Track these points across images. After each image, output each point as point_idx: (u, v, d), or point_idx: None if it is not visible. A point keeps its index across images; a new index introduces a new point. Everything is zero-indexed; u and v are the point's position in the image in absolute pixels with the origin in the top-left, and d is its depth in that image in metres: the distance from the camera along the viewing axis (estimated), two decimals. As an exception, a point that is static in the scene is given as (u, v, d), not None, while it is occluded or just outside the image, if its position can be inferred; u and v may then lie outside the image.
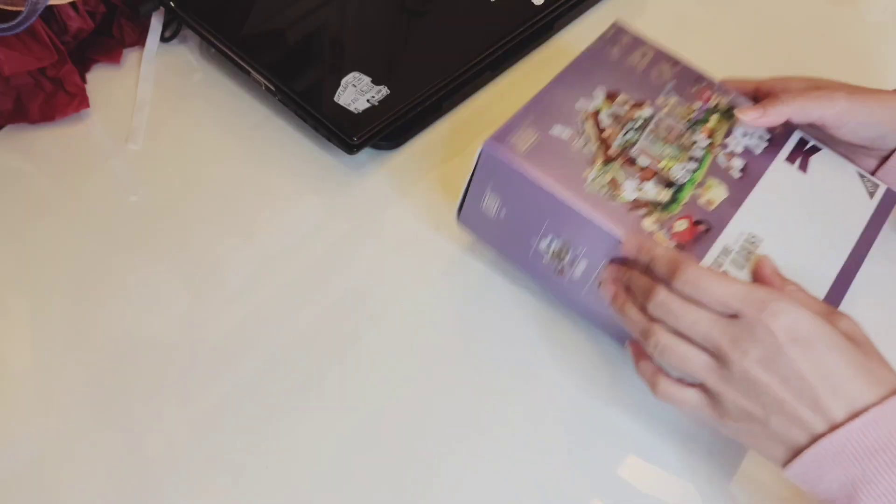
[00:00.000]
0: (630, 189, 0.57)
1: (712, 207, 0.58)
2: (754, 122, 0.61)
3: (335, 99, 0.72)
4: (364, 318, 0.66)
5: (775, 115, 0.61)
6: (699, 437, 0.60)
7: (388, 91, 0.73)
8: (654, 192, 0.58)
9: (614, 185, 0.57)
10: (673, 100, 0.63)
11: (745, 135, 0.62)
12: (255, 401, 0.62)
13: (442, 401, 0.61)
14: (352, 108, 0.72)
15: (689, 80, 0.65)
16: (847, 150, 0.64)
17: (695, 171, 0.59)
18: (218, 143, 0.76)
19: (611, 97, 0.62)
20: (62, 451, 0.60)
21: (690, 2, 0.87)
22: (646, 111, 0.62)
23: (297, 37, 0.79)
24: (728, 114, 0.63)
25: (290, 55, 0.77)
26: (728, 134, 0.62)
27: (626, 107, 0.62)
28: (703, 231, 0.57)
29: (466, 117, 0.78)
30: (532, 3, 0.80)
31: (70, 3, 0.74)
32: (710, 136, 0.61)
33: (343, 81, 0.74)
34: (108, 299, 0.66)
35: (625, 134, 0.60)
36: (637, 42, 0.67)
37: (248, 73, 0.76)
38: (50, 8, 0.73)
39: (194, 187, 0.73)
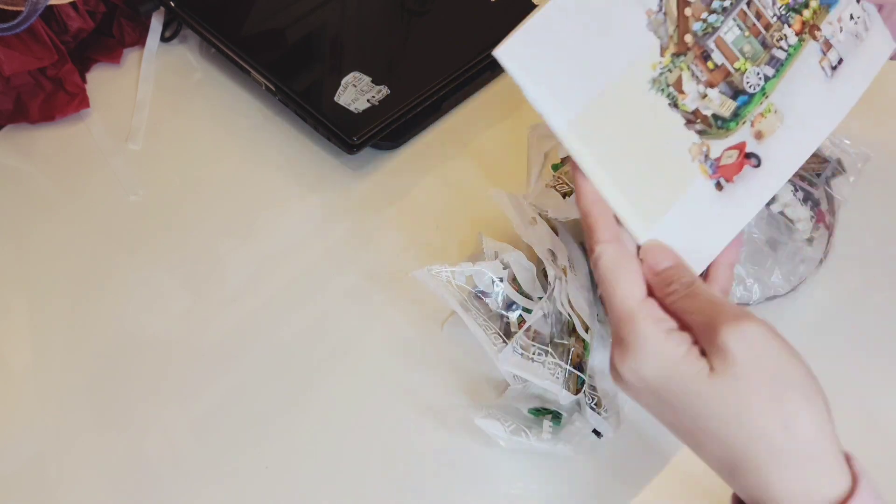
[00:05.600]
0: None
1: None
2: None
3: (335, 99, 0.72)
4: (364, 318, 0.65)
5: None
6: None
7: (388, 91, 0.73)
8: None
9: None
10: None
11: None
12: (255, 401, 0.62)
13: (442, 400, 0.61)
14: (352, 108, 0.72)
15: None
16: None
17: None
18: (218, 143, 0.76)
19: None
20: (62, 451, 0.60)
21: None
22: None
23: (297, 37, 0.79)
24: None
25: (290, 55, 0.77)
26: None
27: None
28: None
29: (466, 117, 0.78)
30: (532, 3, 0.80)
31: (70, 3, 0.74)
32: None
33: (343, 81, 0.74)
34: (108, 299, 0.66)
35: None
36: None
37: (248, 73, 0.76)
38: (50, 8, 0.73)
39: (194, 187, 0.73)
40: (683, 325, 0.41)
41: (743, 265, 0.62)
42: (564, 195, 0.65)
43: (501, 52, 0.43)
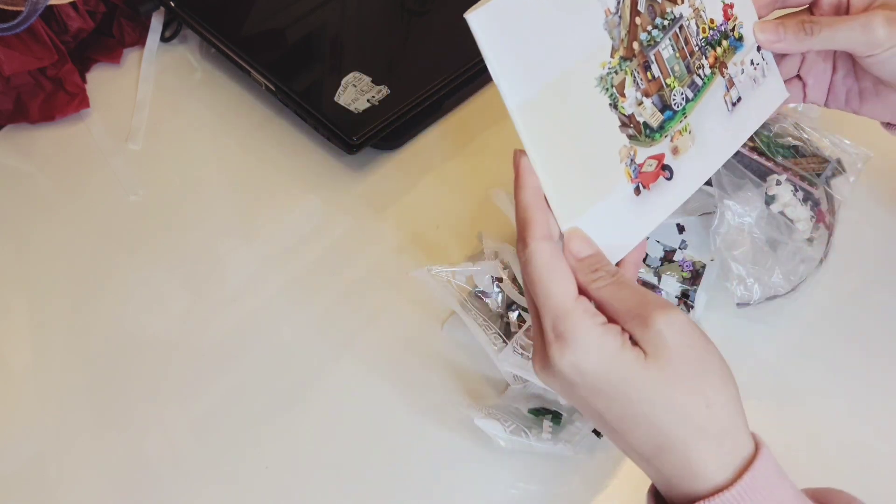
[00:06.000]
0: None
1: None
2: (769, 44, 0.54)
3: (335, 99, 0.72)
4: (364, 318, 0.65)
5: (794, 42, 0.54)
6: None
7: (388, 91, 0.73)
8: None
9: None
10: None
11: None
12: (255, 400, 0.62)
13: (442, 400, 0.61)
14: (352, 108, 0.72)
15: None
16: (871, 85, 0.58)
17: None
18: (218, 143, 0.76)
19: None
20: (62, 451, 0.60)
21: None
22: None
23: (297, 37, 0.79)
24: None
25: (290, 55, 0.77)
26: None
27: None
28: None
29: (466, 117, 0.78)
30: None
31: (70, 3, 0.75)
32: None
33: (343, 81, 0.74)
34: (108, 299, 0.66)
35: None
36: None
37: (248, 73, 0.76)
38: (50, 8, 0.73)
39: (194, 187, 0.73)
40: (608, 316, 0.44)
41: (743, 265, 0.62)
42: None
43: (474, 17, 0.43)
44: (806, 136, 0.67)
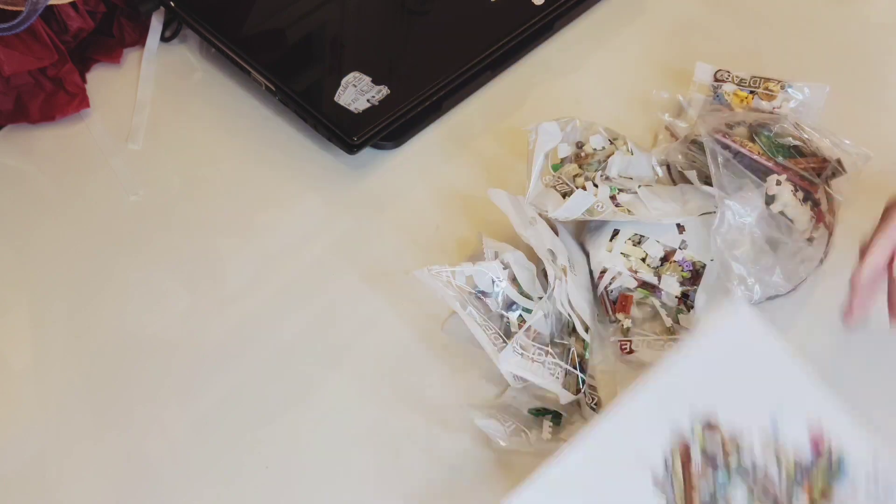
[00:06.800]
0: None
1: None
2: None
3: (335, 99, 0.72)
4: (364, 318, 0.66)
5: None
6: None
7: (388, 91, 0.73)
8: None
9: None
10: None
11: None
12: (255, 401, 0.62)
13: (442, 400, 0.61)
14: (352, 108, 0.72)
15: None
16: None
17: None
18: (218, 143, 0.76)
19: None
20: (62, 451, 0.60)
21: (690, 2, 0.87)
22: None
23: (297, 37, 0.79)
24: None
25: (290, 55, 0.77)
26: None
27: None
28: None
29: (466, 117, 0.78)
30: (532, 3, 0.80)
31: (70, 3, 0.74)
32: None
33: (343, 81, 0.74)
34: (109, 299, 0.67)
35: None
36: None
37: (248, 73, 0.76)
38: (50, 8, 0.73)
39: (194, 187, 0.73)
40: None
41: (744, 264, 0.62)
42: (564, 195, 0.65)
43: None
44: (806, 136, 0.67)
